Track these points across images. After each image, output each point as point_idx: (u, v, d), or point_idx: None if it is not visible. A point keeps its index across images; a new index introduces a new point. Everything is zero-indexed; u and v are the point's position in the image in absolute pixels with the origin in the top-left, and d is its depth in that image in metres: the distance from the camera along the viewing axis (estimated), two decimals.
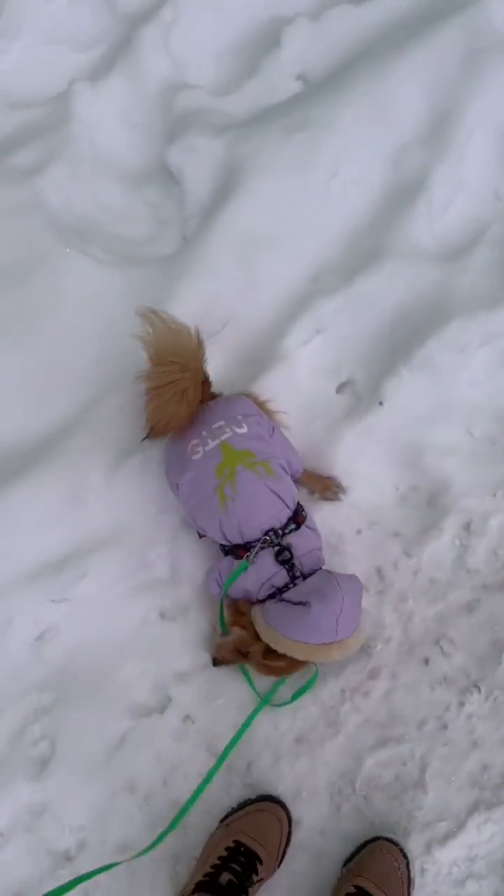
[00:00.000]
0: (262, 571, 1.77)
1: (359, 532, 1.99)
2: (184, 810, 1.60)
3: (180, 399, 1.78)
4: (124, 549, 1.96)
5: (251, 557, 1.76)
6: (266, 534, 1.77)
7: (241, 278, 2.18)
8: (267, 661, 1.76)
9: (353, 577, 1.75)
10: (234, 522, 1.76)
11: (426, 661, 1.86)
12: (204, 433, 1.81)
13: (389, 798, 1.75)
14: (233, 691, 1.85)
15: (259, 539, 1.76)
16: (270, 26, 2.60)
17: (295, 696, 1.84)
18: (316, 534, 1.85)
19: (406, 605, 1.91)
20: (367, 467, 2.05)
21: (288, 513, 1.79)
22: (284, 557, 1.76)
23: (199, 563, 1.98)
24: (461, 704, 1.81)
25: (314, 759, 1.79)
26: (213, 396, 1.93)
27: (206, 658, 1.90)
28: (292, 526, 1.80)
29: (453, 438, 2.05)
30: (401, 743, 1.79)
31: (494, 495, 2.00)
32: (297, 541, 1.79)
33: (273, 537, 1.77)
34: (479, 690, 1.82)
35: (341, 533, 1.98)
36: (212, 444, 1.78)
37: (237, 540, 1.78)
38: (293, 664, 1.76)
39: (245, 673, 1.87)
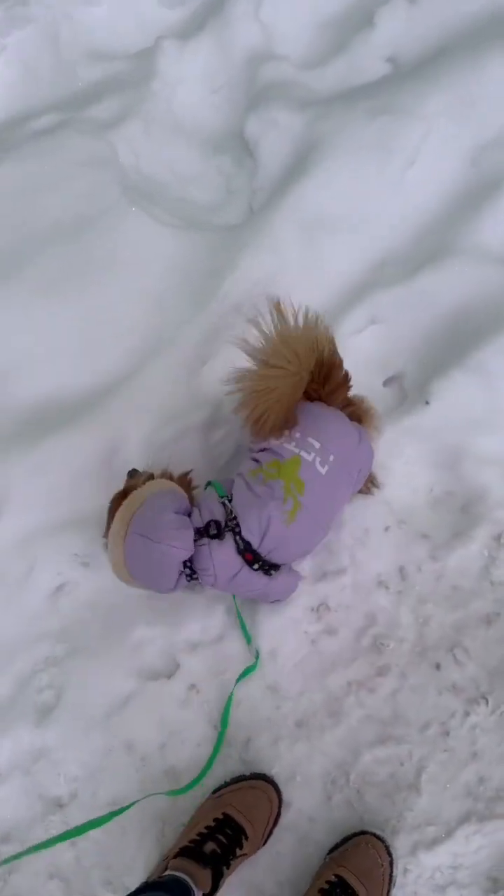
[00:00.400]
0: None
1: (387, 529, 1.97)
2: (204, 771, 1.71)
3: (283, 408, 1.64)
4: None
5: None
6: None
7: (303, 257, 2.15)
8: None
9: None
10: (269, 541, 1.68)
11: (437, 667, 1.85)
12: (298, 434, 1.70)
13: (382, 795, 1.75)
14: (240, 667, 1.85)
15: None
16: (365, 4, 2.54)
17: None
18: None
19: (425, 608, 1.90)
20: (403, 465, 2.02)
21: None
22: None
23: None
24: (466, 714, 1.80)
25: (312, 745, 1.79)
26: (348, 401, 1.80)
27: (216, 631, 1.91)
28: None
29: (496, 448, 2.01)
30: (401, 743, 1.78)
31: None
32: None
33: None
34: (487, 703, 1.80)
35: (369, 527, 1.96)
36: (291, 450, 1.68)
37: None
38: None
39: (241, 619, 1.88)
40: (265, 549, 1.67)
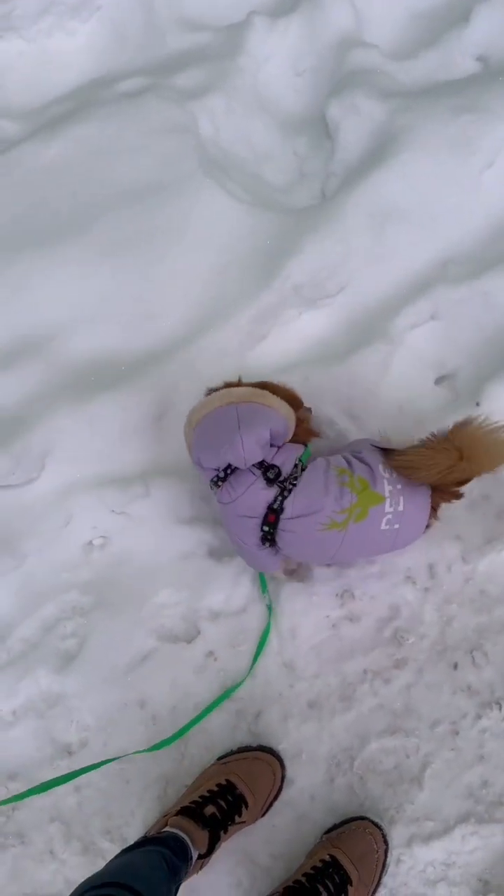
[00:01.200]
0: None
1: None
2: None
3: None
4: (190, 481, 1.99)
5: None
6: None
7: (370, 247, 2.15)
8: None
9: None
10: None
11: (455, 666, 1.85)
12: (399, 486, 1.70)
13: (384, 784, 1.77)
14: (258, 633, 1.89)
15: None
16: (462, 0, 2.52)
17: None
18: None
19: (449, 607, 1.90)
20: None
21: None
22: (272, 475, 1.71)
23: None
24: (478, 717, 1.81)
25: (321, 727, 1.82)
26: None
27: (240, 603, 1.94)
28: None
29: None
30: (409, 736, 1.80)
31: None
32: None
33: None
34: (500, 708, 1.81)
35: None
36: (385, 489, 1.69)
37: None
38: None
39: (261, 579, 1.92)
40: (286, 526, 1.70)
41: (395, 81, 2.39)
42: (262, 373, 2.08)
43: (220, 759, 1.80)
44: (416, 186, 2.16)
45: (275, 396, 1.74)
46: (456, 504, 1.96)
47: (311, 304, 2.13)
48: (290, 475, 1.71)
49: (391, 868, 1.70)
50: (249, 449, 1.64)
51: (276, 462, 1.71)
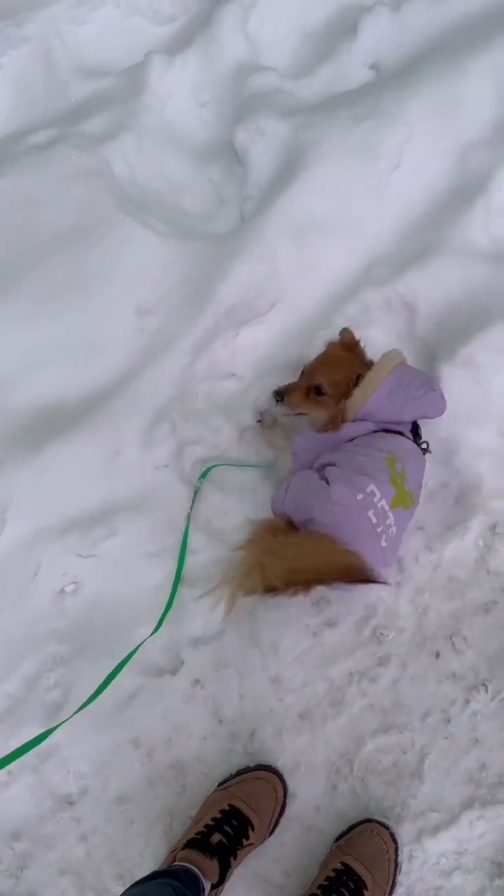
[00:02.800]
0: None
1: None
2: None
3: None
4: (152, 512, 2.01)
5: None
6: None
7: (294, 261, 2.20)
8: None
9: None
10: None
11: (437, 655, 1.88)
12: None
13: (385, 783, 1.78)
14: (242, 661, 1.89)
15: None
16: (348, 13, 2.62)
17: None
18: None
19: (422, 598, 1.93)
20: None
21: None
22: None
23: (222, 531, 2.03)
24: (467, 702, 1.83)
25: (316, 736, 1.82)
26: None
27: (219, 626, 1.94)
28: None
29: (488, 440, 2.05)
30: (403, 731, 1.81)
31: None
32: None
33: None
34: (487, 690, 1.83)
35: None
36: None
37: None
38: None
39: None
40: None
41: (295, 99, 2.46)
42: (208, 398, 2.12)
43: (220, 784, 1.80)
44: (328, 197, 2.22)
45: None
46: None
47: (245, 323, 2.18)
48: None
49: (404, 865, 1.70)
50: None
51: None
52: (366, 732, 1.82)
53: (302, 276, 2.20)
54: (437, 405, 1.94)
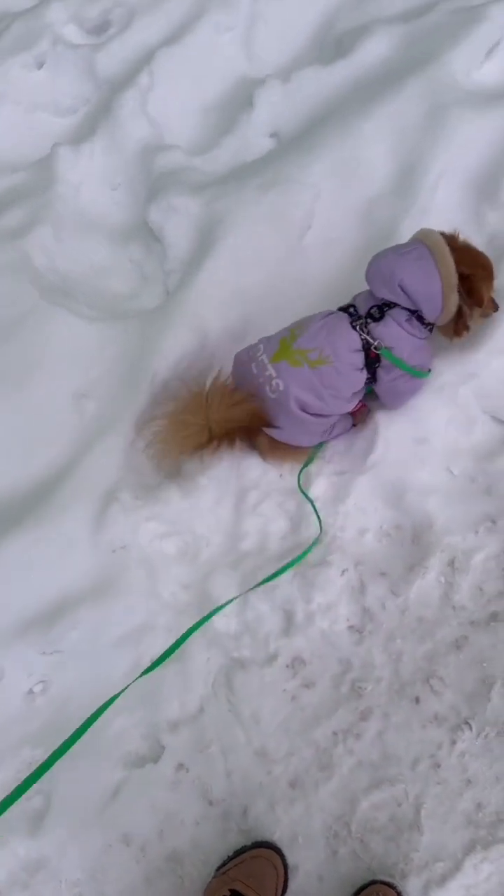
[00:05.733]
0: None
1: (344, 572, 2.01)
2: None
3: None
4: (114, 597, 1.98)
5: None
6: None
7: (222, 330, 2.25)
8: None
9: None
10: None
11: (417, 700, 1.87)
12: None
13: (385, 840, 1.75)
14: (224, 737, 1.85)
15: None
16: (243, 88, 2.74)
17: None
18: None
19: (395, 644, 1.93)
20: (351, 509, 2.09)
21: None
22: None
23: (183, 607, 2.01)
24: (453, 742, 1.82)
25: (309, 803, 1.79)
26: None
27: (195, 705, 1.91)
28: None
29: (434, 477, 2.09)
30: (395, 783, 1.79)
31: (476, 532, 2.03)
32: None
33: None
34: (471, 728, 1.83)
35: (327, 575, 2.00)
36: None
37: None
38: None
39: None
40: None
41: (203, 174, 2.55)
42: (156, 472, 2.12)
43: (218, 869, 1.74)
44: (247, 265, 2.28)
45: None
46: (371, 540, 2.03)
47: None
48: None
49: None
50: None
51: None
52: (358, 791, 1.79)
53: (232, 343, 2.24)
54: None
